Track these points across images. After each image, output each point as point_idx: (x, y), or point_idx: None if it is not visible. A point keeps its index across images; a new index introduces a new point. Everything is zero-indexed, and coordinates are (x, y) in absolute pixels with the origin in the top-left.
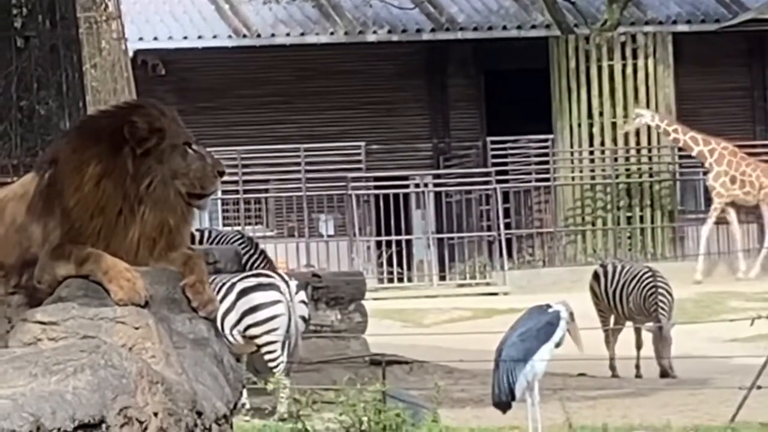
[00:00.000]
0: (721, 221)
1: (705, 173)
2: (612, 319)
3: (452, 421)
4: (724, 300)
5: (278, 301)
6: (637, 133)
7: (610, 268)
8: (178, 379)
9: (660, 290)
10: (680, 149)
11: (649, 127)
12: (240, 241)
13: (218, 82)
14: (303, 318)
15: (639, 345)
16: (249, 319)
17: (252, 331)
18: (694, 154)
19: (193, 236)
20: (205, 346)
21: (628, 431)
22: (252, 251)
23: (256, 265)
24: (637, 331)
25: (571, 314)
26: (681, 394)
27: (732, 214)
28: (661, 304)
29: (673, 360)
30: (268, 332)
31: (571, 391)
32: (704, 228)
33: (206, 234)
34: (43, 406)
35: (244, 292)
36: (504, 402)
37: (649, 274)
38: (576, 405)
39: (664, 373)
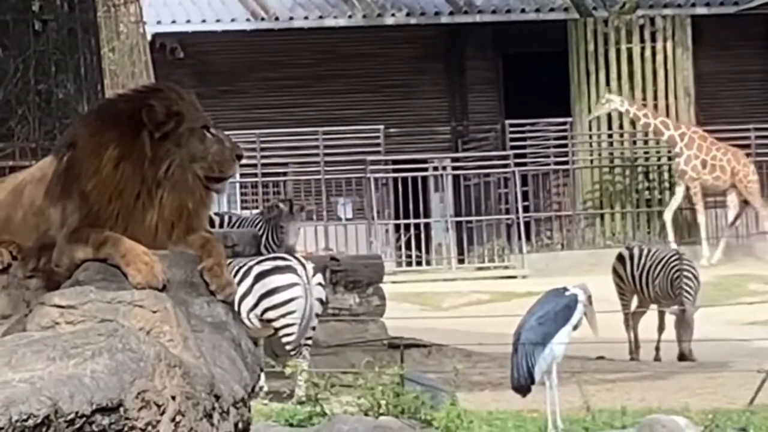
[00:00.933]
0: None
1: (675, 158)
2: (634, 301)
3: (470, 405)
4: (742, 283)
5: (295, 284)
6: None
7: (636, 251)
8: (196, 363)
9: (686, 274)
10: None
11: (620, 113)
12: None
13: (236, 66)
14: (320, 300)
15: (662, 328)
16: (266, 303)
17: (269, 315)
18: (664, 138)
19: (211, 220)
20: (223, 329)
21: (646, 414)
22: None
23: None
24: (661, 314)
25: (589, 297)
26: (699, 377)
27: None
28: (686, 287)
29: (692, 343)
30: (285, 315)
31: (590, 374)
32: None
33: (225, 218)
34: (61, 389)
35: (261, 276)
36: (523, 385)
37: (676, 257)
38: (594, 388)
39: (683, 356)
